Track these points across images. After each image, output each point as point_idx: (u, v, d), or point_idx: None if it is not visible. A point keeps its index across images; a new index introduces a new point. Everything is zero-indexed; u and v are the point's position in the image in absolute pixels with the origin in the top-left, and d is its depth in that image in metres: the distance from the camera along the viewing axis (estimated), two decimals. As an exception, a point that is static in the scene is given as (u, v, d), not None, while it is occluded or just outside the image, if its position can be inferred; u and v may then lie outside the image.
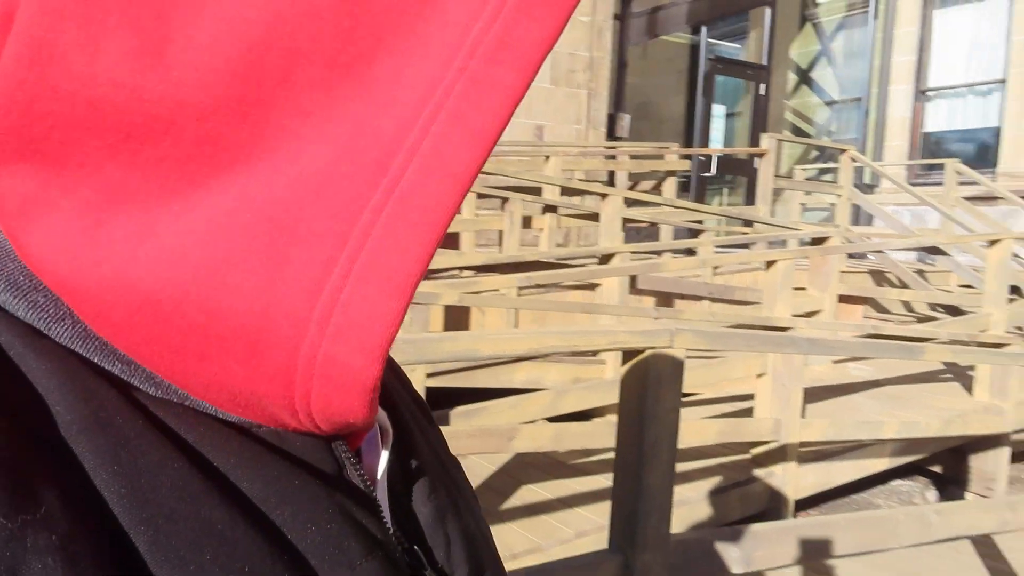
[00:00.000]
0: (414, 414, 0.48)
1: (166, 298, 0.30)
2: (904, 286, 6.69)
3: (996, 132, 9.16)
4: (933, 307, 6.66)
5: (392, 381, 0.49)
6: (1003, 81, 9.06)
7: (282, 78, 0.27)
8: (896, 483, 4.73)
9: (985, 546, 3.74)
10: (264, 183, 0.29)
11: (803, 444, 3.86)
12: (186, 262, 0.29)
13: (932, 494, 4.71)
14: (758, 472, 3.83)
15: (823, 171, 10.74)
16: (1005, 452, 4.59)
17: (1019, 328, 5.85)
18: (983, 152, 9.44)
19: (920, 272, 7.08)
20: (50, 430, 0.31)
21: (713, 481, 3.74)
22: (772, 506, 3.79)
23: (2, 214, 0.31)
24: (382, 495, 0.40)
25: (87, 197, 0.29)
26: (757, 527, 2.42)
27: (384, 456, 0.40)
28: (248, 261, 0.29)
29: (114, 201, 0.29)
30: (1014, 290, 5.83)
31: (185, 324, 0.30)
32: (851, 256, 7.46)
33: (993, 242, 5.20)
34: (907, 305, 6.68)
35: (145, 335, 0.31)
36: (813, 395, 4.47)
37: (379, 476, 0.40)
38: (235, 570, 0.32)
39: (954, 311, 6.29)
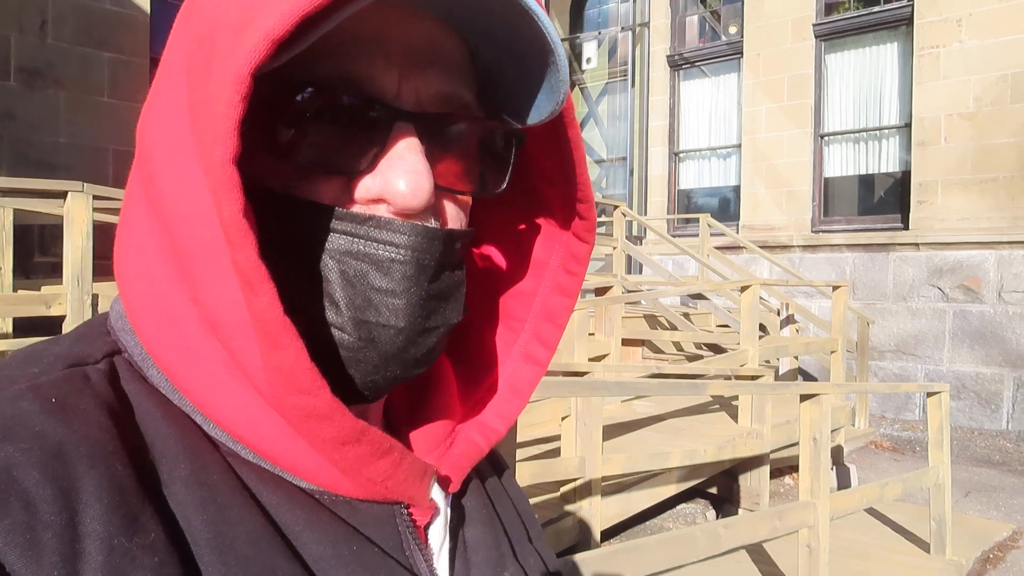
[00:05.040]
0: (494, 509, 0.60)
1: None
2: (674, 328, 7.48)
3: (736, 189, 10.52)
4: (698, 345, 7.50)
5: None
6: (738, 146, 10.45)
7: None
8: (681, 506, 5.27)
9: (758, 554, 4.28)
10: None
11: (605, 478, 4.21)
12: None
13: (711, 513, 5.30)
14: (568, 507, 4.12)
15: (598, 224, 11.66)
16: (766, 470, 5.29)
17: (767, 361, 6.76)
18: (725, 206, 10.78)
19: (685, 315, 7.94)
20: (156, 477, 0.41)
21: (529, 521, 3.96)
22: (581, 538, 4.08)
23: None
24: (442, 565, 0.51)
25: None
26: (584, 555, 2.66)
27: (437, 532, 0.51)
28: None
29: None
30: (761, 328, 6.74)
31: None
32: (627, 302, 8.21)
33: (744, 288, 6.00)
34: (677, 345, 7.47)
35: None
36: (608, 432, 4.88)
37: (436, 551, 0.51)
38: None
39: (716, 349, 7.13)
